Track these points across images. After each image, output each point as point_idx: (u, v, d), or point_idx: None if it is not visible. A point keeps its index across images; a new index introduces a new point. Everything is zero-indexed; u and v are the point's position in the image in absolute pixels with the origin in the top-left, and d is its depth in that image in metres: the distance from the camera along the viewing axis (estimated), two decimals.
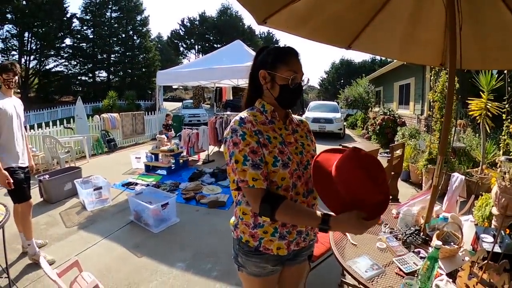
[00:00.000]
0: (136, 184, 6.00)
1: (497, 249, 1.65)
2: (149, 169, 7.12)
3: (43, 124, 7.90)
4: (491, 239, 1.80)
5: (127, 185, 5.94)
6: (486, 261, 1.52)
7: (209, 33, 47.61)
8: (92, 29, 34.30)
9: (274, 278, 1.52)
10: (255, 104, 1.44)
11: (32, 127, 7.77)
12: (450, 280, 1.59)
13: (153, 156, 7.23)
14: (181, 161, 7.49)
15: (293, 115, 1.53)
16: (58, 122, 8.63)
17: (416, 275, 1.62)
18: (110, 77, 36.69)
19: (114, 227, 4.12)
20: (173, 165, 7.09)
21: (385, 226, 2.21)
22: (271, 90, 1.37)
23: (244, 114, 1.37)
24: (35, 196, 5.00)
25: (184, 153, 8.01)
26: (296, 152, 1.39)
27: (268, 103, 1.40)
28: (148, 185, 5.84)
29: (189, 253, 3.51)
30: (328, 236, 2.22)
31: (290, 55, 1.36)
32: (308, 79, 1.44)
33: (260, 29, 51.69)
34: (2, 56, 28.58)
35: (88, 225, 4.18)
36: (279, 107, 1.40)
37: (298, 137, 1.46)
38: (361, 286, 1.65)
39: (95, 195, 4.79)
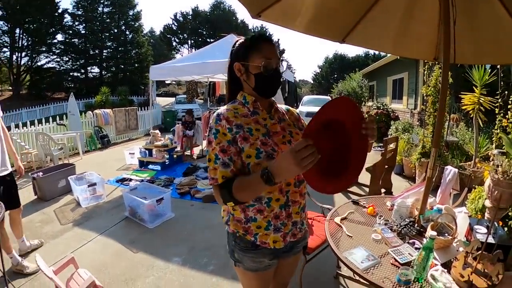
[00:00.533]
0: (131, 179, 5.99)
1: (490, 240, 1.68)
2: (143, 165, 7.11)
3: (36, 121, 7.82)
4: (484, 230, 1.83)
5: (121, 181, 5.92)
6: (480, 252, 1.54)
7: (202, 27, 47.33)
8: (84, 25, 33.78)
9: (271, 272, 1.53)
10: (237, 97, 1.43)
11: (24, 125, 7.69)
12: (445, 270, 1.61)
13: (147, 151, 7.20)
14: (175, 156, 7.47)
15: (278, 105, 1.51)
16: (50, 119, 8.53)
17: (411, 265, 1.64)
18: (103, 72, 36.27)
19: (109, 223, 4.11)
20: (167, 160, 7.08)
21: (380, 218, 2.23)
22: (248, 81, 1.36)
23: (222, 109, 1.35)
24: (29, 193, 4.98)
25: (178, 148, 7.99)
26: (284, 141, 1.36)
27: (249, 94, 1.39)
28: (142, 180, 5.82)
29: (185, 247, 3.51)
30: (323, 228, 2.24)
31: (261, 41, 1.34)
32: (287, 63, 1.39)
33: (253, 24, 51.55)
34: None
35: (83, 222, 4.16)
36: (259, 96, 1.39)
37: (286, 126, 1.44)
38: (357, 277, 1.67)
39: (89, 192, 4.77)
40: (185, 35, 48.66)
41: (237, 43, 1.39)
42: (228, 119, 1.29)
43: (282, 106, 1.55)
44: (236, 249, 1.45)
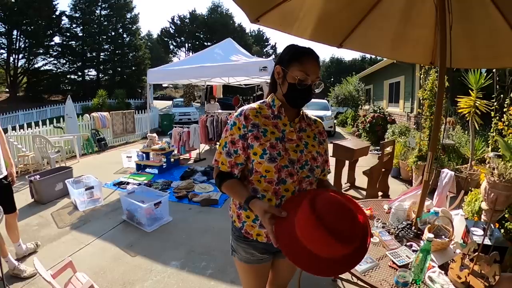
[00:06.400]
0: (128, 183, 5.97)
1: (487, 241, 1.70)
2: (140, 168, 7.09)
3: (33, 124, 7.79)
4: (481, 232, 1.85)
5: (119, 184, 5.90)
6: (477, 253, 1.56)
7: (199, 31, 47.30)
8: (81, 27, 33.78)
9: (265, 266, 1.56)
10: (267, 98, 1.49)
11: (21, 127, 7.66)
12: (442, 272, 1.62)
13: (144, 155, 7.18)
14: (172, 159, 7.47)
15: (308, 114, 1.55)
16: (47, 122, 8.50)
17: (409, 267, 1.66)
18: (100, 75, 36.20)
19: (107, 226, 4.10)
20: (164, 164, 7.06)
21: (377, 221, 2.24)
22: (282, 86, 1.41)
23: (246, 106, 1.44)
24: (26, 197, 4.96)
25: (175, 152, 7.98)
26: (295, 150, 1.39)
27: (278, 98, 1.44)
28: (140, 184, 5.81)
29: (183, 251, 3.51)
30: None
31: (306, 55, 1.35)
32: (322, 84, 1.43)
33: (250, 27, 51.41)
34: None
35: (81, 225, 4.14)
36: (286, 103, 1.43)
37: (304, 136, 1.45)
38: (356, 280, 1.68)
39: (86, 195, 4.75)
40: (182, 38, 48.63)
41: (287, 47, 1.43)
42: (247, 117, 1.38)
43: (312, 116, 1.58)
44: (232, 237, 1.55)
